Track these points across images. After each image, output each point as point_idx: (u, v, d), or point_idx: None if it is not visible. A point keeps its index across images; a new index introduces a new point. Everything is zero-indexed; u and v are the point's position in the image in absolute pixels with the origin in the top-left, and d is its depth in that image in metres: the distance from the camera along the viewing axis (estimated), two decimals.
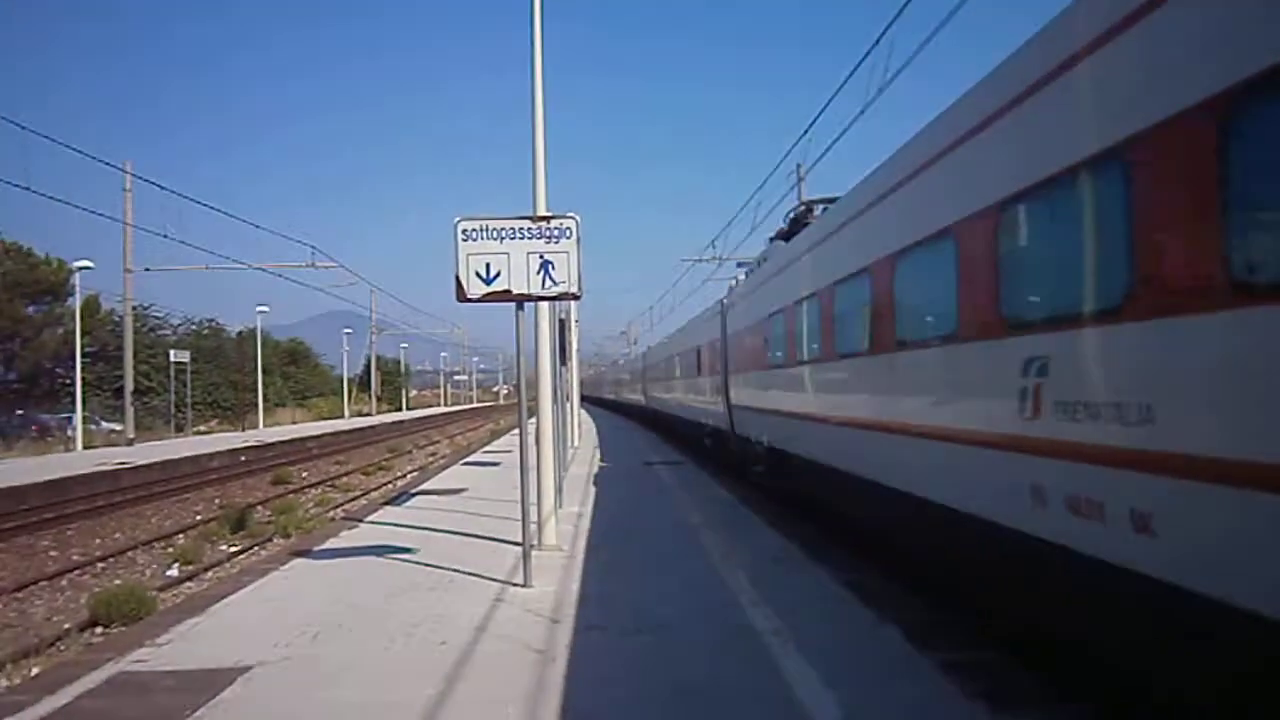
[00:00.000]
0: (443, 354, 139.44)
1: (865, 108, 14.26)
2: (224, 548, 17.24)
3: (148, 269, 42.78)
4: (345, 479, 29.91)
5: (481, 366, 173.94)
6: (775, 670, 6.49)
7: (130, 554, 16.61)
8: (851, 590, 8.82)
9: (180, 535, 18.57)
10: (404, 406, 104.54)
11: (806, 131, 18.09)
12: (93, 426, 46.00)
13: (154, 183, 33.27)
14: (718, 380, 21.51)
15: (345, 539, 12.95)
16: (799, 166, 27.75)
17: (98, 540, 18.26)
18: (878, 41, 12.75)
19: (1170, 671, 5.08)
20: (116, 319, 51.24)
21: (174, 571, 15.06)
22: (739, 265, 31.79)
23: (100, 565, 15.63)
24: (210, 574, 14.74)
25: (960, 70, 8.21)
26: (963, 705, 5.72)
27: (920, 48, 12.52)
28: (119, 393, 43.85)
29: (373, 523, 14.55)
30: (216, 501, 24.34)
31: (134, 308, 45.18)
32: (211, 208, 34.54)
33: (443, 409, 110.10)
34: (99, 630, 11.01)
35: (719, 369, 21.30)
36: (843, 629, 7.55)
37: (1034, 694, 6.05)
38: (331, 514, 20.77)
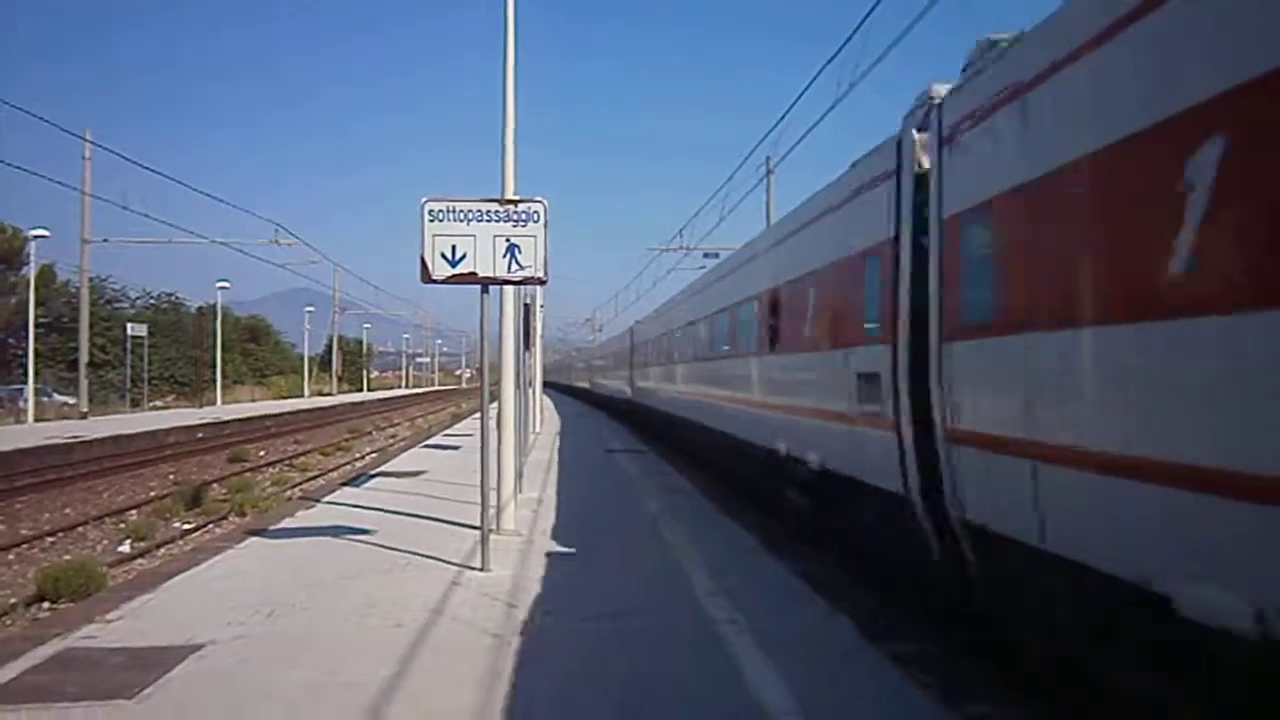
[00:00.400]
0: (405, 335, 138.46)
1: (836, 102, 14.28)
2: (178, 525, 17.00)
3: (106, 240, 42.16)
4: (303, 458, 29.62)
5: (445, 349, 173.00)
6: (730, 659, 6.53)
7: (81, 529, 16.34)
8: (806, 581, 8.91)
9: (133, 511, 18.30)
10: (365, 387, 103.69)
11: (777, 124, 17.99)
12: (45, 399, 45.17)
13: (115, 152, 32.58)
14: (866, 361, 8.56)
15: (302, 518, 12.85)
16: (768, 159, 27.88)
17: (47, 515, 17.93)
18: (850, 37, 12.72)
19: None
20: (73, 290, 50.43)
21: (126, 548, 14.83)
22: (705, 255, 31.83)
23: (49, 540, 15.35)
24: (163, 551, 14.54)
25: (932, 69, 8.20)
26: (913, 695, 5.80)
27: (891, 45, 12.56)
28: (73, 365, 43.18)
29: (330, 503, 14.45)
30: (171, 478, 24.01)
31: (91, 279, 44.37)
32: (174, 180, 33.95)
33: (404, 391, 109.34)
34: (46, 606, 10.82)
35: (882, 329, 8.16)
36: (797, 619, 7.62)
37: (982, 685, 6.15)
38: (289, 493, 20.56)
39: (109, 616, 7.60)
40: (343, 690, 5.84)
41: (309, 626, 7.37)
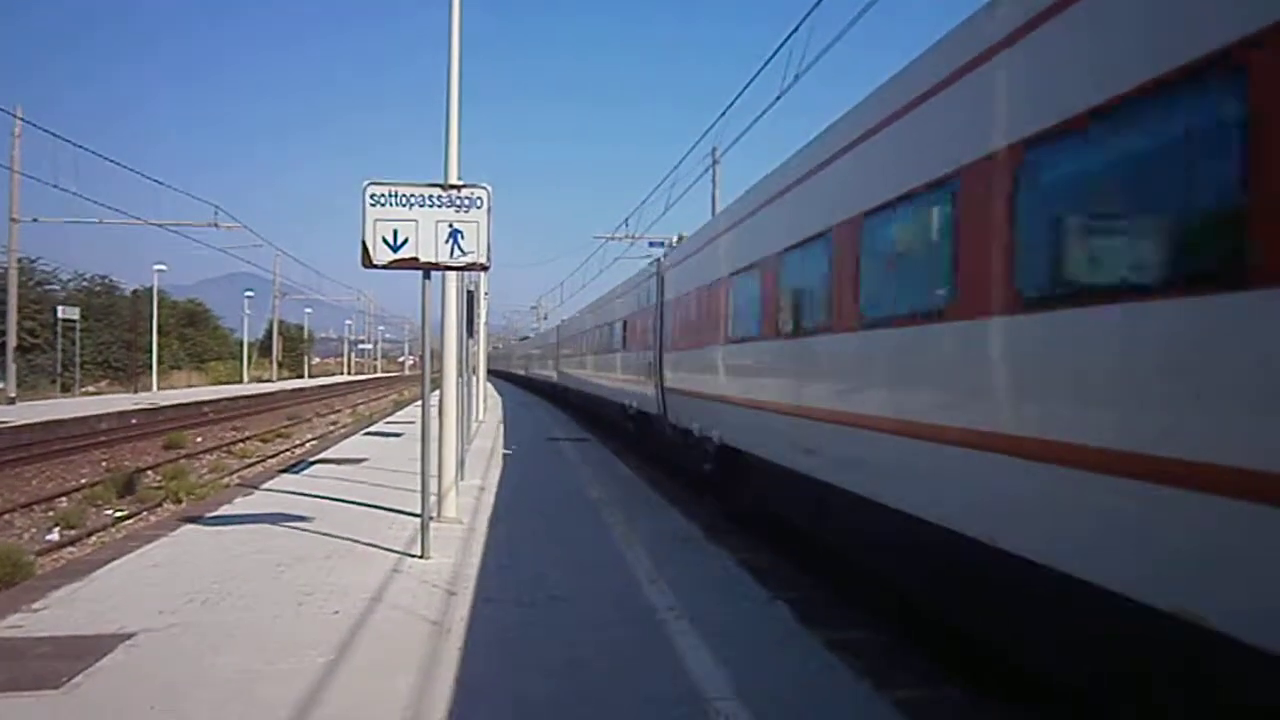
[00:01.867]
0: (348, 321, 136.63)
1: (782, 93, 14.42)
2: (110, 512, 16.66)
3: (36, 220, 40.93)
4: (242, 445, 29.15)
5: (387, 336, 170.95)
6: (669, 645, 6.58)
7: (6, 517, 15.90)
8: (746, 569, 9.00)
9: (63, 499, 17.87)
10: (306, 374, 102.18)
11: (723, 114, 18.16)
12: None
13: (48, 130, 31.63)
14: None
15: (239, 506, 12.65)
16: (714, 150, 27.98)
17: None
18: (796, 28, 12.84)
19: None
20: (0, 271, 48.89)
21: (54, 536, 14.51)
22: (651, 244, 31.94)
23: None
24: (94, 539, 14.24)
25: (876, 61, 8.28)
26: (848, 680, 5.90)
27: (838, 37, 12.65)
28: (1, 349, 41.91)
29: (269, 490, 14.24)
30: (104, 465, 23.47)
31: (20, 260, 43.16)
32: (109, 160, 33.04)
33: (346, 378, 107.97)
34: None
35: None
36: (736, 606, 7.70)
37: (916, 670, 6.27)
38: (226, 480, 20.22)
39: (35, 605, 7.42)
40: (278, 678, 5.78)
41: (245, 614, 7.27)
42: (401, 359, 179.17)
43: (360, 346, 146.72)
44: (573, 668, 6.07)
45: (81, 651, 6.19)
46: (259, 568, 8.80)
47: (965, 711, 5.74)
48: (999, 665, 5.95)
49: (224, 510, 12.29)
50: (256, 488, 14.60)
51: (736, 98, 16.84)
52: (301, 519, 11.36)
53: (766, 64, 14.13)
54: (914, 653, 6.72)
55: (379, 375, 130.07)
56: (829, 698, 5.68)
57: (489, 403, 37.34)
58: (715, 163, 28.57)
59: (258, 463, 24.31)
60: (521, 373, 67.28)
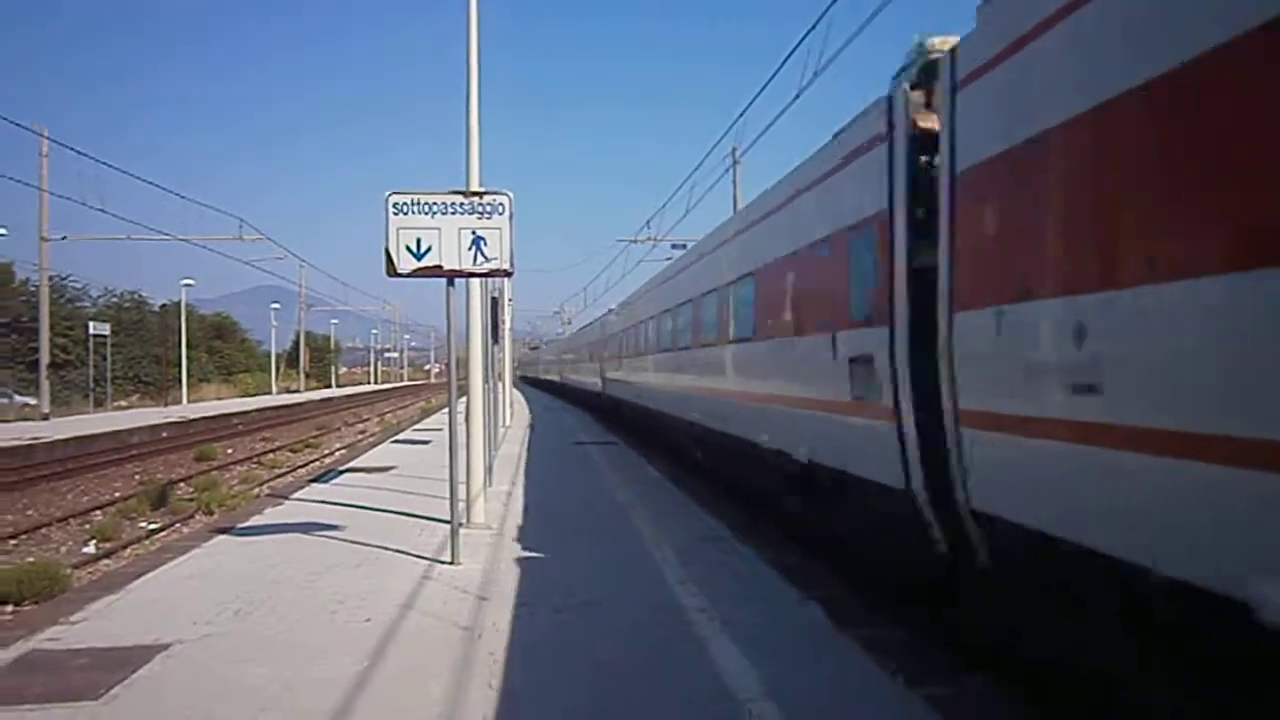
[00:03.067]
0: (374, 331, 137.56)
1: (800, 92, 14.40)
2: (144, 525, 16.83)
3: (65, 237, 41.48)
4: (271, 456, 29.39)
5: (413, 344, 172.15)
6: (701, 647, 6.56)
7: (44, 531, 16.12)
8: (775, 568, 8.96)
9: (98, 512, 18.07)
10: (333, 383, 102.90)
11: (742, 114, 18.19)
12: (5, 400, 44.53)
13: (73, 149, 32.07)
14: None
15: (270, 516, 12.75)
16: (734, 150, 27.93)
17: (9, 517, 17.66)
18: (813, 27, 12.82)
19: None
20: (32, 289, 49.61)
21: (90, 548, 14.67)
22: (673, 246, 31.94)
23: (11, 542, 15.13)
24: (129, 551, 14.38)
25: (894, 59, 8.23)
26: (880, 680, 5.86)
27: (855, 34, 12.64)
28: (34, 366, 42.53)
29: (299, 500, 14.35)
30: (137, 478, 23.72)
31: (51, 278, 43.78)
32: (135, 176, 33.52)
33: (373, 387, 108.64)
34: (9, 608, 10.68)
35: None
36: (767, 607, 7.66)
37: (945, 667, 6.22)
38: (257, 491, 20.39)
39: (73, 618, 7.51)
40: (313, 686, 5.81)
41: (278, 624, 7.32)
42: (428, 367, 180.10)
43: (386, 355, 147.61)
44: (604, 672, 6.06)
45: (119, 663, 6.25)
46: (291, 577, 8.87)
47: (993, 705, 5.69)
48: (1022, 661, 5.90)
49: (255, 521, 12.39)
50: (287, 497, 14.72)
51: (756, 96, 16.86)
52: (332, 527, 11.43)
53: (785, 62, 14.11)
54: (943, 650, 6.67)
55: (405, 384, 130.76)
56: (861, 696, 5.64)
57: (515, 409, 37.44)
58: (736, 163, 28.52)
59: (288, 473, 24.49)
60: (594, 384, 38.49)
